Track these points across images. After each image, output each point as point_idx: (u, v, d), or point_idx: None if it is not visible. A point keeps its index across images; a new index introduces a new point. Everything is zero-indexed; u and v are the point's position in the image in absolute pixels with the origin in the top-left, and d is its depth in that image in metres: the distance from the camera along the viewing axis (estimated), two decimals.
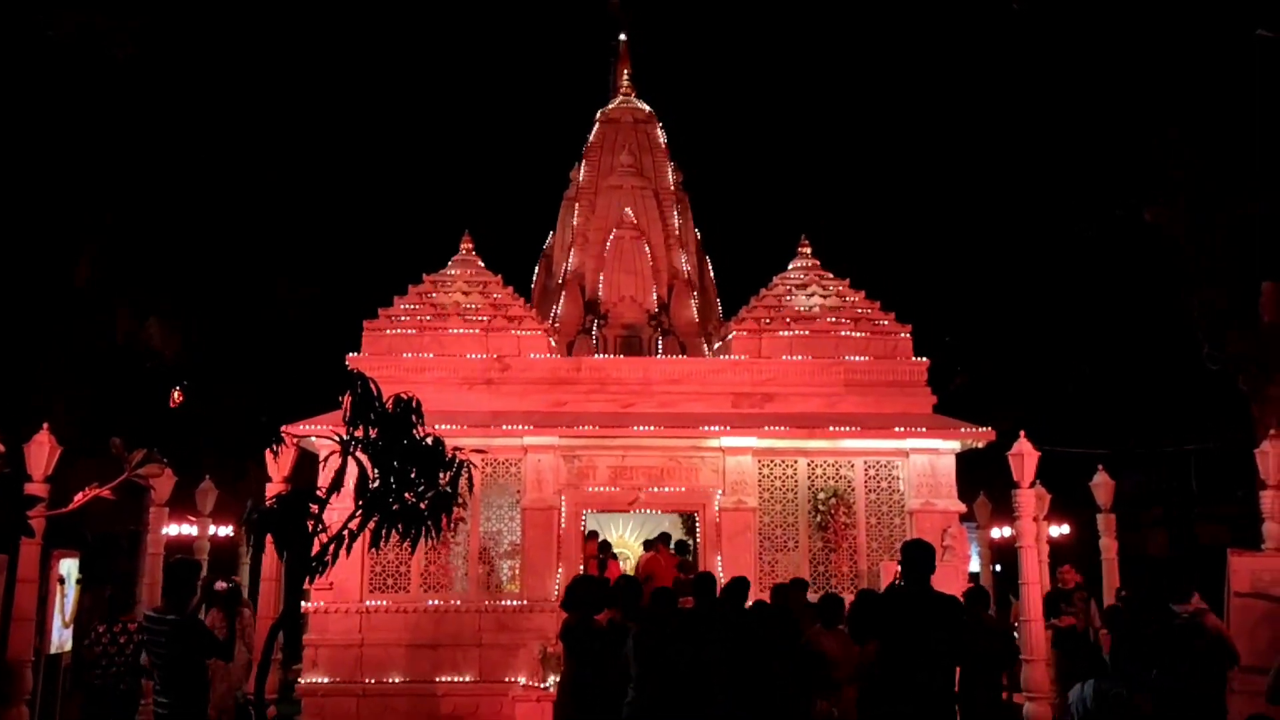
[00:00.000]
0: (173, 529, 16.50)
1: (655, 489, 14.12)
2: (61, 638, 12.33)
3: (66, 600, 12.35)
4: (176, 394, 18.36)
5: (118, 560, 17.80)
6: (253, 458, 13.87)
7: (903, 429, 13.87)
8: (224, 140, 19.77)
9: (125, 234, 18.57)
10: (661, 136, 19.06)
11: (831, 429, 13.87)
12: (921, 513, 13.86)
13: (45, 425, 11.99)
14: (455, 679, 13.24)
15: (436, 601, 13.54)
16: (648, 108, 19.29)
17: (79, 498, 10.59)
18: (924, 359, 14.74)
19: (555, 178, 19.49)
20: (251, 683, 9.86)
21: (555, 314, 17.20)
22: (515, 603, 13.45)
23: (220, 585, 12.48)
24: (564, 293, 17.48)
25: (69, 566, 12.37)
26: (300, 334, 22.40)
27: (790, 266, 15.89)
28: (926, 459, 14.03)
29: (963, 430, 13.89)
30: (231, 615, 12.04)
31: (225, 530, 19.87)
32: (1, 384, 14.32)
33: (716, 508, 13.95)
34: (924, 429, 13.92)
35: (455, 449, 8.17)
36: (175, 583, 7.00)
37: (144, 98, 17.75)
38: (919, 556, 7.14)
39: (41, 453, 11.74)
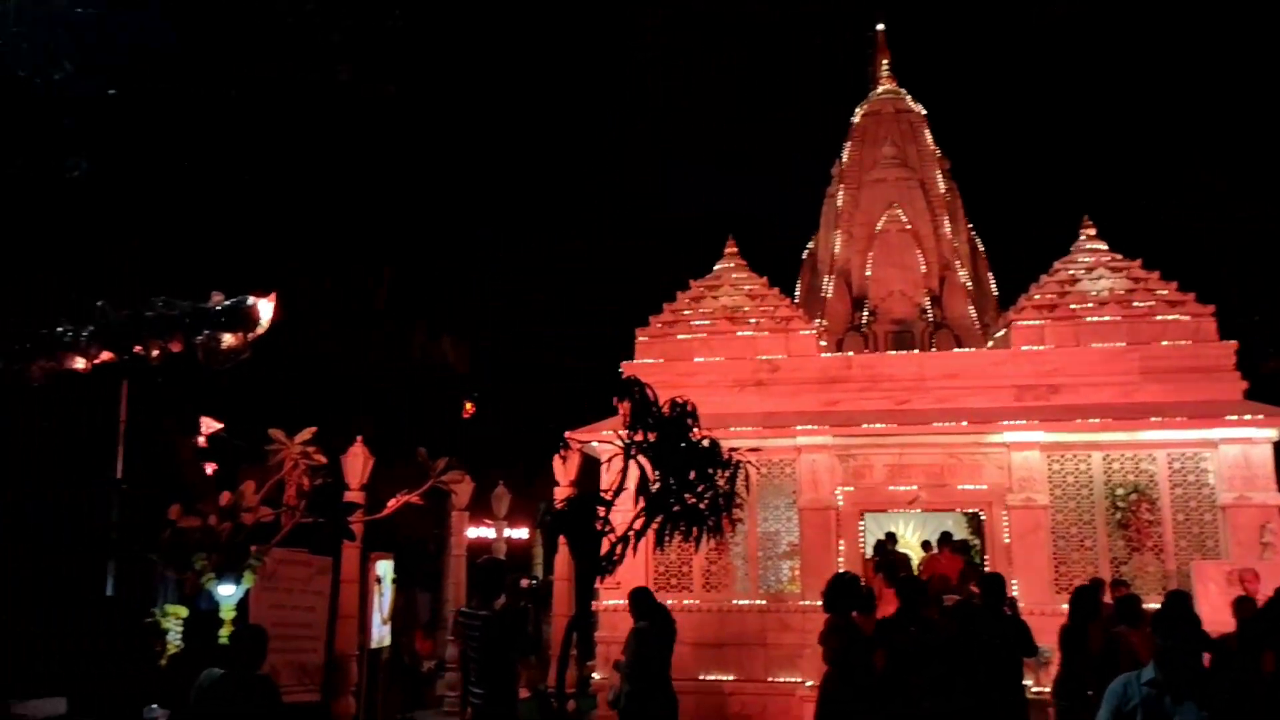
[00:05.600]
0: (472, 532, 17.61)
1: (936, 487, 13.71)
2: (380, 633, 13.41)
3: (384, 599, 13.43)
4: (469, 405, 19.60)
5: (424, 562, 19.17)
6: (541, 463, 14.57)
7: (1211, 417, 12.78)
8: (500, 178, 20.84)
9: (417, 260, 20.04)
10: (926, 125, 18.51)
11: (1152, 419, 12.91)
12: (1235, 507, 12.71)
13: (359, 438, 13.13)
14: (741, 679, 13.37)
15: (719, 601, 13.73)
16: (910, 96, 18.80)
17: (392, 503, 11.57)
18: (1231, 341, 13.52)
19: (817, 175, 19.36)
20: (552, 677, 10.39)
21: (822, 312, 17.05)
22: (797, 603, 13.43)
23: (526, 582, 13.21)
24: (830, 291, 17.31)
25: (385, 567, 13.46)
26: (576, 343, 23.38)
27: (1073, 249, 14.99)
28: (1239, 449, 12.85)
29: None
30: (538, 611, 12.78)
31: (518, 533, 21.02)
32: (320, 401, 15.78)
33: (1004, 506, 13.37)
34: (1236, 416, 12.77)
35: (731, 450, 8.27)
36: (484, 581, 7.47)
37: (415, 127, 18.97)
38: None
39: (357, 463, 12.88)
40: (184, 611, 10.89)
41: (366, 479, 12.92)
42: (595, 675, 13.88)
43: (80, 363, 9.39)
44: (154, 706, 9.24)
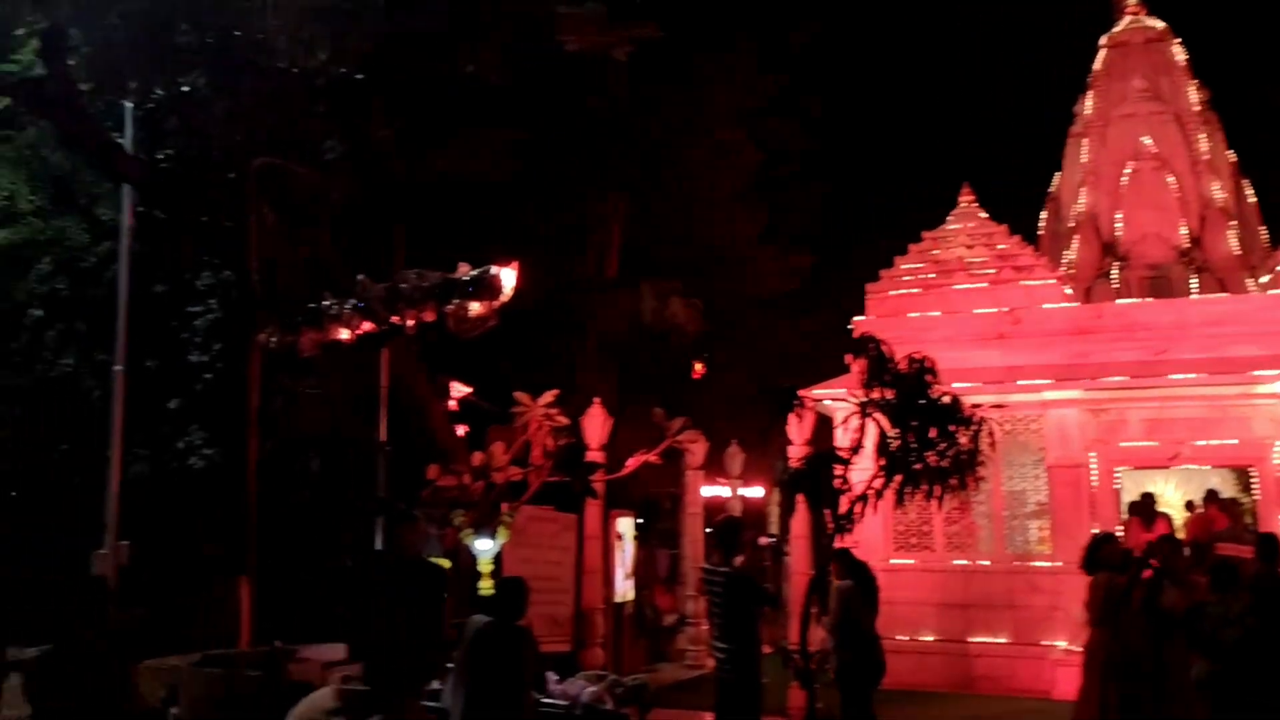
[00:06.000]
0: (707, 490, 17.86)
1: (1199, 442, 12.82)
2: (623, 588, 13.88)
3: (625, 554, 13.89)
4: (699, 366, 19.78)
5: (661, 520, 19.60)
6: (773, 422, 14.60)
7: None
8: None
9: (639, 224, 20.29)
10: (1179, 54, 17.09)
11: None
12: None
13: (597, 400, 13.53)
14: (988, 640, 13.02)
15: (963, 561, 13.39)
16: (1161, 24, 17.40)
17: (631, 463, 11.87)
18: None
19: (1057, 115, 18.27)
20: (793, 634, 10.45)
21: (1068, 260, 16.17)
22: (1047, 564, 12.90)
23: (763, 540, 13.36)
24: (1076, 236, 16.36)
25: (626, 524, 13.90)
26: (802, 302, 23.13)
27: None
28: None
29: None
30: (777, 568, 12.87)
31: (752, 491, 21.11)
32: (558, 365, 16.33)
33: (1277, 461, 12.35)
34: None
35: (973, 406, 8.03)
36: (724, 539, 7.62)
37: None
38: None
39: (596, 424, 13.29)
40: (446, 564, 11.60)
41: (606, 439, 13.32)
42: None
43: (344, 333, 10.09)
44: None
